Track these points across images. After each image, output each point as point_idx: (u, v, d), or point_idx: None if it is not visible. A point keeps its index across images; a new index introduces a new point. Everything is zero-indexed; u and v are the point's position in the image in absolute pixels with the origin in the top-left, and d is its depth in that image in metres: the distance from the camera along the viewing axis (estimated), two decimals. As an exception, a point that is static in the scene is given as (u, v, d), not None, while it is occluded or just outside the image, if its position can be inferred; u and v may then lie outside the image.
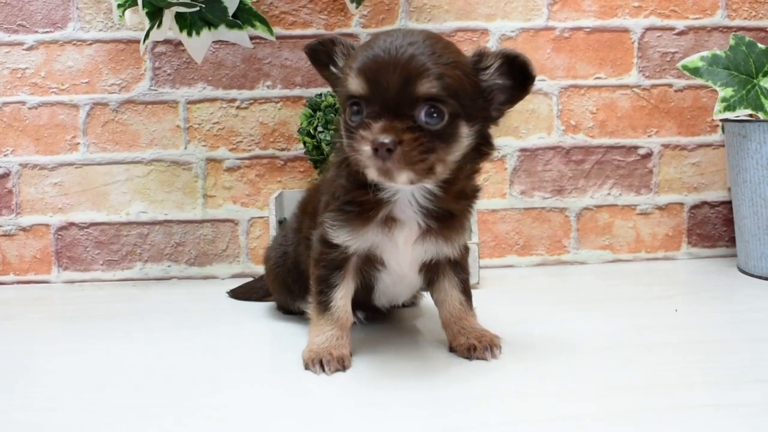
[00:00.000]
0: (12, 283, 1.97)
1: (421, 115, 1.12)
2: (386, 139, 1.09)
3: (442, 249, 1.29)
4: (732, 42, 1.88)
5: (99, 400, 1.16)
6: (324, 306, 1.29)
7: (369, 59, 1.13)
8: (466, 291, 1.36)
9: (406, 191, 1.22)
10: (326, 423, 1.05)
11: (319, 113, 1.79)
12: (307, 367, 1.25)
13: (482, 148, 1.23)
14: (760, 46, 1.87)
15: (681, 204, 2.09)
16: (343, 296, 1.29)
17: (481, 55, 1.20)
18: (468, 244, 1.39)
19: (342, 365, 1.25)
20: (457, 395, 1.14)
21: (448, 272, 1.34)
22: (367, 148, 1.11)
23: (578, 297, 1.76)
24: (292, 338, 1.43)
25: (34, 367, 1.33)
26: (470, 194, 1.29)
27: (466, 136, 1.17)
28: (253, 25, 1.78)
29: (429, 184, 1.20)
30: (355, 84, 1.14)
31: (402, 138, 1.10)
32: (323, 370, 1.24)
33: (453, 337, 1.34)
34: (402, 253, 1.27)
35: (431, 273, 1.35)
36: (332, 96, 1.80)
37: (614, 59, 2.04)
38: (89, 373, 1.29)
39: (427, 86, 1.11)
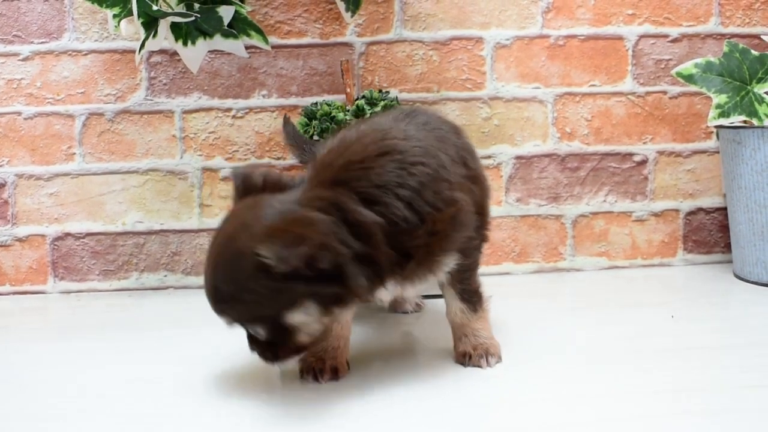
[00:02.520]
0: (8, 293, 1.97)
1: (250, 331, 1.20)
2: (250, 349, 1.21)
3: (426, 277, 1.23)
4: (726, 49, 1.89)
5: (95, 411, 1.16)
6: None
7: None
8: (466, 299, 1.33)
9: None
10: (323, 432, 1.05)
11: (314, 122, 1.79)
12: (301, 376, 1.26)
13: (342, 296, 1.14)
14: (754, 52, 1.88)
15: (676, 210, 2.09)
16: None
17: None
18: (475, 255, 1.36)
19: (336, 375, 1.25)
20: (451, 403, 1.14)
21: (447, 284, 1.33)
22: None
23: (575, 304, 1.76)
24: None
25: (29, 378, 1.32)
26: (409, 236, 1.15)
27: (304, 315, 1.13)
28: (248, 35, 1.79)
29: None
30: None
31: (257, 349, 1.20)
32: (316, 380, 1.24)
33: (454, 344, 1.34)
34: (389, 293, 1.23)
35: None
36: (327, 105, 1.80)
37: (609, 67, 2.05)
38: (85, 383, 1.28)
39: (226, 321, 1.18)
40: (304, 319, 1.13)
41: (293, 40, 1.99)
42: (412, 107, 1.40)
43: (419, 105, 1.49)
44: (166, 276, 1.99)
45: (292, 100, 1.99)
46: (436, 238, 1.16)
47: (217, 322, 1.66)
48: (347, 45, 2.00)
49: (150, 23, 1.65)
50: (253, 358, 1.40)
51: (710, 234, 2.11)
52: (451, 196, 1.17)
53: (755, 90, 1.86)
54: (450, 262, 1.23)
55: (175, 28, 1.71)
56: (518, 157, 2.04)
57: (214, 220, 1.99)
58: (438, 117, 1.35)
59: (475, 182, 1.30)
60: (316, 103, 1.84)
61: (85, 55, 1.96)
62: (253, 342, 1.20)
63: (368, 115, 1.69)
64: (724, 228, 2.08)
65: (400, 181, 1.13)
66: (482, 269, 2.00)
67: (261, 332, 1.16)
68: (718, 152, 2.07)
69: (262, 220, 1.11)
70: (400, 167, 1.14)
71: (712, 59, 1.88)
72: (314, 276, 1.08)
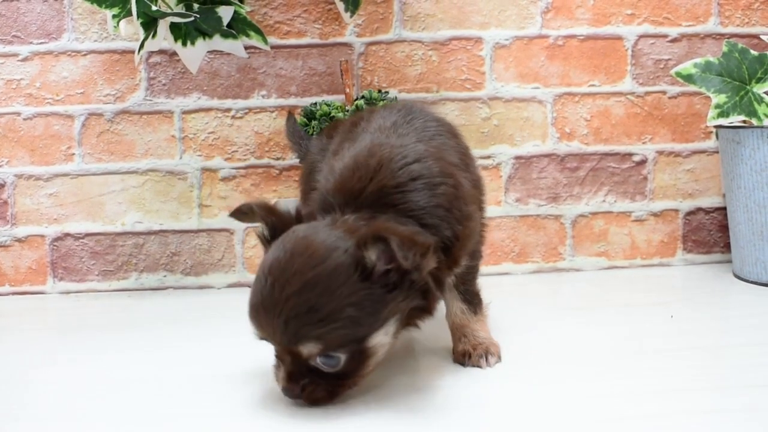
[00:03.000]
0: (7, 294, 1.97)
1: (318, 361, 1.08)
2: (290, 392, 1.11)
3: None
4: (725, 49, 1.89)
5: (94, 411, 1.16)
6: None
7: (254, 304, 1.10)
8: (467, 300, 1.34)
9: None
10: (322, 432, 1.05)
11: (314, 122, 1.79)
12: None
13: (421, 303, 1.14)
14: (753, 52, 1.88)
15: (676, 210, 2.09)
16: None
17: (358, 259, 1.06)
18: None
19: None
20: (451, 402, 1.14)
21: (451, 286, 1.33)
22: (279, 384, 1.13)
23: (574, 304, 1.76)
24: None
25: (29, 378, 1.32)
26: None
27: (384, 335, 1.10)
28: (247, 35, 1.79)
29: None
30: (251, 326, 1.12)
31: (305, 389, 1.10)
32: None
33: (454, 344, 1.34)
34: None
35: None
36: (327, 105, 1.80)
37: (608, 67, 2.05)
38: (85, 383, 1.28)
39: (309, 350, 1.07)
40: (382, 339, 1.10)
41: (292, 41, 1.99)
42: (403, 105, 1.39)
43: (409, 102, 1.49)
44: (165, 276, 1.99)
45: (292, 101, 1.99)
46: (460, 250, 1.20)
47: (217, 322, 1.67)
48: (346, 45, 2.00)
49: (149, 23, 1.65)
50: (253, 359, 1.40)
51: (709, 234, 2.11)
52: (468, 212, 1.21)
53: (754, 90, 1.86)
54: (463, 266, 1.26)
55: (174, 28, 1.71)
56: (517, 157, 2.04)
57: (214, 221, 1.99)
58: (433, 118, 1.36)
59: (477, 186, 1.35)
60: (316, 104, 1.84)
61: (85, 55, 1.96)
62: (303, 380, 1.09)
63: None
64: (724, 228, 2.08)
65: (435, 202, 1.16)
66: (482, 269, 2.01)
67: (340, 361, 1.07)
68: (717, 152, 2.08)
69: (342, 234, 1.08)
70: (430, 191, 1.16)
71: (711, 59, 1.88)
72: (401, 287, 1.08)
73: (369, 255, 1.05)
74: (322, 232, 1.09)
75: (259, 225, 1.19)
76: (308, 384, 1.10)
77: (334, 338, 1.05)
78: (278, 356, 1.13)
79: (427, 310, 1.15)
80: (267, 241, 1.17)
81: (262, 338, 1.12)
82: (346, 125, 1.47)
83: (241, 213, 1.19)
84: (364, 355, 1.10)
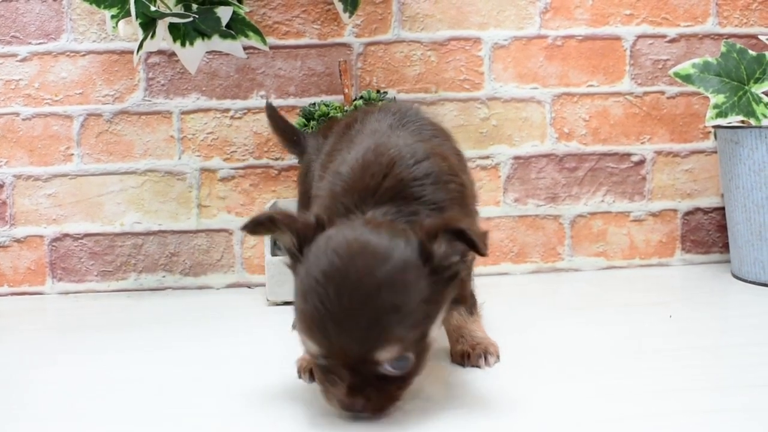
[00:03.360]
0: (6, 294, 1.97)
1: (387, 367, 1.01)
2: (355, 405, 1.02)
3: None
4: (723, 49, 1.89)
5: (94, 411, 1.16)
6: None
7: (317, 317, 0.99)
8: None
9: None
10: (322, 432, 1.05)
11: (312, 122, 1.79)
12: (299, 376, 1.26)
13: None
14: (751, 52, 1.88)
15: (674, 210, 2.09)
16: None
17: (428, 251, 1.02)
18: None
19: None
20: (449, 403, 1.14)
21: None
22: (334, 401, 1.04)
23: (573, 304, 1.77)
24: (288, 348, 1.43)
25: (28, 379, 1.32)
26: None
27: (438, 329, 1.08)
28: (246, 36, 1.79)
29: None
30: (309, 344, 1.03)
31: (371, 398, 1.02)
32: (313, 379, 1.23)
33: (452, 345, 1.34)
34: None
35: None
36: (326, 105, 1.80)
37: (606, 67, 2.05)
38: (84, 384, 1.28)
39: (389, 354, 1.00)
40: (436, 333, 1.07)
41: (291, 41, 1.99)
42: (397, 108, 1.39)
43: (402, 104, 1.49)
44: (164, 276, 1.99)
45: (291, 101, 1.99)
46: None
47: (216, 322, 1.67)
48: (345, 45, 2.00)
49: (148, 24, 1.65)
50: (253, 359, 1.40)
51: (708, 234, 2.11)
52: (475, 209, 1.27)
53: (753, 90, 1.86)
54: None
55: (173, 28, 1.71)
56: (516, 158, 2.04)
57: (212, 221, 1.99)
58: (427, 121, 1.37)
59: (472, 184, 1.35)
60: (314, 104, 1.84)
61: (83, 55, 1.96)
62: (366, 390, 1.02)
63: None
64: (722, 228, 2.08)
65: (451, 197, 1.15)
66: (480, 269, 2.02)
67: (410, 361, 1.02)
68: (715, 152, 2.08)
69: (391, 231, 1.03)
70: (444, 186, 1.16)
71: (709, 59, 1.89)
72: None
73: (438, 247, 1.02)
74: (369, 231, 1.02)
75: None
76: (373, 393, 1.02)
77: (411, 338, 1.00)
78: (332, 372, 1.03)
79: (460, 300, 1.14)
80: (298, 251, 1.06)
81: (325, 356, 1.02)
82: (340, 126, 1.47)
83: (257, 224, 1.09)
84: (424, 351, 1.06)
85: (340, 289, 0.97)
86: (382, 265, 0.98)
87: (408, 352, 1.01)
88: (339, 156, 1.29)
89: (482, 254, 1.02)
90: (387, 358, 0.99)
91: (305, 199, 1.57)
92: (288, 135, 1.75)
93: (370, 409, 1.03)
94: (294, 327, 1.19)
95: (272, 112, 1.77)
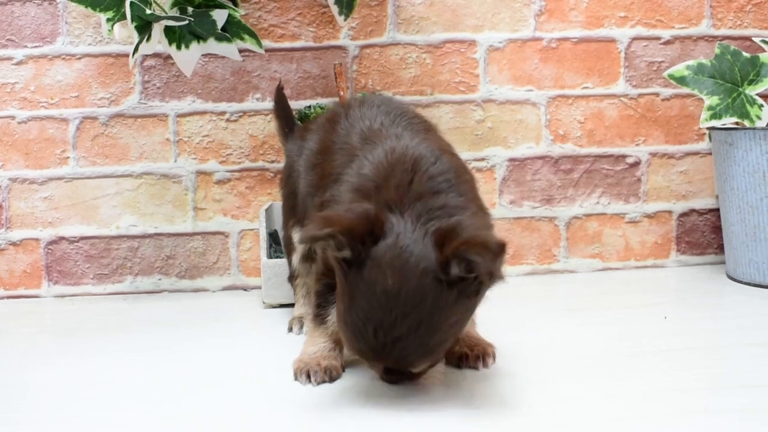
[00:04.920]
0: (2, 297, 1.97)
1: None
2: (392, 380, 1.21)
3: None
4: (717, 51, 1.90)
5: (90, 414, 1.16)
6: (320, 319, 1.29)
7: (365, 332, 1.09)
8: None
9: None
10: (318, 433, 1.05)
11: (308, 125, 1.79)
12: (295, 377, 1.26)
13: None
14: (745, 54, 1.89)
15: (669, 212, 2.10)
16: None
17: (447, 265, 1.08)
18: None
19: (329, 376, 1.25)
20: (447, 404, 1.14)
21: None
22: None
23: (568, 305, 1.77)
24: (284, 350, 1.43)
25: (24, 382, 1.32)
26: None
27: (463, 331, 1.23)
28: (242, 38, 1.79)
29: None
30: (353, 342, 1.14)
31: (403, 380, 1.20)
32: (309, 381, 1.24)
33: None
34: None
35: None
36: (321, 108, 1.81)
37: (601, 69, 2.05)
38: (80, 387, 1.28)
39: (419, 369, 1.16)
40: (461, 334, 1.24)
41: (287, 44, 1.99)
42: (380, 101, 1.42)
43: (380, 97, 1.50)
44: (160, 279, 1.99)
45: (286, 104, 1.99)
46: None
47: (212, 325, 1.67)
48: (341, 48, 2.00)
49: (143, 27, 1.65)
50: (248, 361, 1.41)
51: (703, 235, 2.11)
52: (482, 202, 1.30)
53: (747, 92, 1.87)
54: None
55: (168, 31, 1.71)
56: (511, 160, 2.05)
57: (208, 224, 1.99)
58: (410, 113, 1.40)
59: None
60: (310, 107, 1.85)
61: (79, 59, 1.96)
62: (402, 376, 1.19)
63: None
64: (717, 229, 2.09)
65: (472, 195, 1.25)
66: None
67: (435, 364, 1.20)
68: (710, 154, 2.08)
69: (431, 247, 1.09)
70: (461, 180, 1.22)
71: (703, 61, 1.89)
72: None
73: (453, 271, 1.07)
74: (407, 260, 1.08)
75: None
76: (403, 380, 1.20)
77: (440, 356, 1.17)
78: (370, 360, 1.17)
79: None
80: (350, 264, 1.11)
81: (370, 359, 1.15)
82: (319, 123, 1.51)
83: (317, 238, 1.12)
84: (449, 351, 1.23)
85: (377, 327, 1.08)
86: (413, 309, 1.07)
87: (434, 359, 1.16)
88: (338, 155, 1.32)
89: (491, 282, 1.10)
90: (418, 371, 1.17)
91: (291, 199, 1.58)
92: (285, 122, 1.78)
93: (407, 381, 1.21)
94: (306, 322, 1.32)
95: (280, 95, 1.80)
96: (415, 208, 1.13)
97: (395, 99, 1.48)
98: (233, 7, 1.76)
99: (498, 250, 1.07)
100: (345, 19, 1.81)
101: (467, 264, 1.06)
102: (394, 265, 1.08)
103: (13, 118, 1.96)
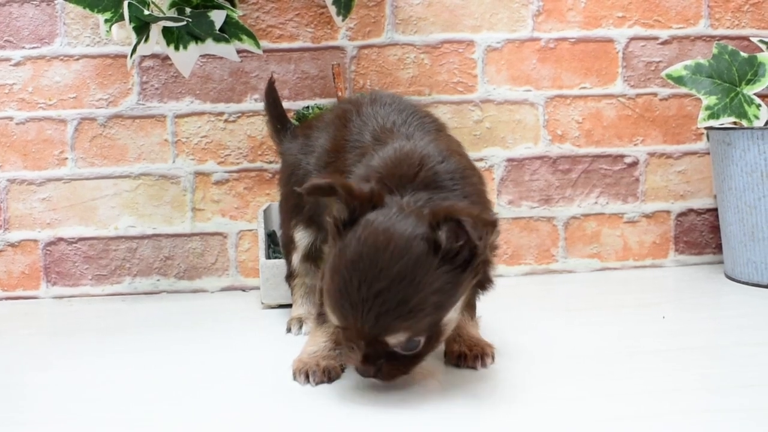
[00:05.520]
0: (0, 298, 1.96)
1: (396, 348, 1.13)
2: (366, 372, 1.15)
3: None
4: (715, 51, 1.90)
5: (89, 415, 1.16)
6: (323, 318, 1.29)
7: (339, 298, 1.11)
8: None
9: None
10: (317, 434, 1.05)
11: (306, 125, 1.79)
12: (294, 378, 1.26)
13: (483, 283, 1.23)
14: (743, 54, 1.89)
15: (668, 212, 2.10)
16: None
17: (436, 241, 1.10)
18: None
19: (328, 377, 1.25)
20: (446, 404, 1.14)
21: None
22: (353, 365, 1.16)
23: (567, 305, 1.77)
24: (283, 351, 1.43)
25: (23, 383, 1.32)
26: None
27: (454, 312, 1.16)
28: (240, 39, 1.79)
29: None
30: (331, 317, 1.16)
31: (383, 369, 1.14)
32: (308, 381, 1.24)
33: (448, 345, 1.34)
34: None
35: None
36: (319, 109, 1.81)
37: (599, 69, 2.06)
38: (79, 388, 1.28)
39: (396, 340, 1.11)
40: (453, 316, 1.16)
41: (285, 44, 1.99)
42: (391, 100, 1.44)
43: (386, 94, 1.50)
44: (158, 280, 1.99)
45: (284, 104, 1.97)
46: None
47: (211, 325, 1.67)
48: (339, 49, 2.00)
49: (141, 28, 1.65)
50: (246, 362, 1.41)
51: (701, 235, 2.12)
52: (488, 198, 1.32)
53: (744, 91, 1.87)
54: None
55: (166, 32, 1.71)
56: (510, 160, 2.05)
57: (207, 224, 1.99)
58: (421, 112, 1.41)
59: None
60: (308, 107, 1.85)
61: (77, 59, 1.96)
62: (378, 361, 1.13)
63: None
64: (715, 229, 2.09)
65: (477, 190, 1.26)
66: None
67: (420, 344, 1.13)
68: (708, 153, 2.09)
69: (415, 220, 1.11)
70: (468, 180, 1.24)
71: (701, 61, 1.89)
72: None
73: (440, 235, 1.09)
74: (399, 222, 1.11)
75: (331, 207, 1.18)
76: (384, 364, 1.14)
77: (420, 326, 1.11)
78: (351, 340, 1.14)
79: (483, 285, 1.24)
80: (342, 225, 1.15)
81: (344, 328, 1.14)
82: (328, 120, 1.51)
83: (316, 188, 1.17)
84: (439, 334, 1.15)
85: (361, 280, 1.08)
86: (398, 261, 1.07)
87: (418, 337, 1.12)
88: (351, 153, 1.34)
89: (476, 244, 1.09)
90: (394, 342, 1.11)
91: (293, 198, 1.58)
92: (276, 119, 1.78)
93: (380, 377, 1.15)
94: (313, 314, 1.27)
95: (271, 90, 1.80)
96: (416, 196, 1.16)
97: (402, 97, 1.49)
98: (231, 7, 1.76)
99: (489, 222, 1.10)
100: (343, 20, 1.81)
101: (456, 225, 1.08)
102: (385, 224, 1.10)
103: (11, 119, 1.96)
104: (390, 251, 1.08)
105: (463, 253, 1.11)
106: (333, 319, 1.15)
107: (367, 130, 1.35)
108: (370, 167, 1.24)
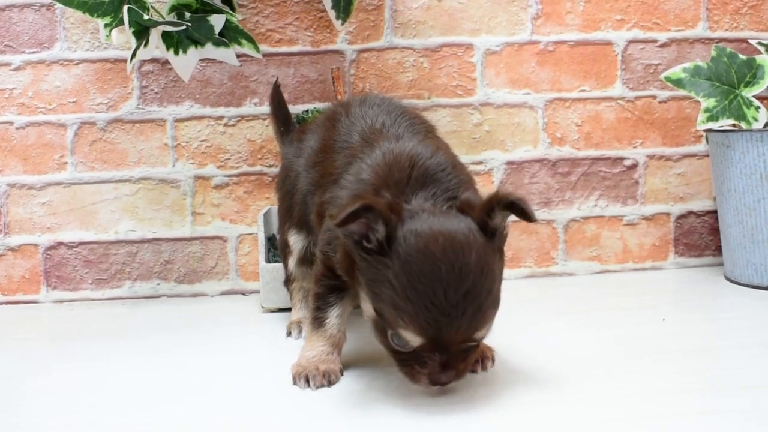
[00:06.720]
0: (0, 303, 1.97)
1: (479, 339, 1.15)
2: (447, 378, 1.12)
3: None
4: (714, 53, 1.90)
5: (89, 419, 1.16)
6: (319, 322, 1.29)
7: (427, 314, 1.06)
8: None
9: None
10: (317, 437, 1.06)
11: (306, 129, 1.79)
12: (294, 382, 1.26)
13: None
14: (741, 56, 1.89)
15: (667, 214, 2.10)
16: (338, 315, 1.30)
17: (490, 228, 1.13)
18: None
19: (327, 380, 1.25)
20: (446, 407, 1.15)
21: None
22: (423, 379, 1.12)
23: (567, 308, 1.77)
24: (283, 355, 1.43)
25: (23, 387, 1.32)
26: None
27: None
28: (239, 43, 1.79)
29: None
30: (410, 337, 1.09)
31: (458, 369, 1.12)
32: (308, 385, 1.24)
33: None
34: None
35: None
36: (319, 113, 1.81)
37: (598, 72, 2.06)
38: (79, 392, 1.28)
39: (485, 331, 1.13)
40: None
41: (284, 48, 2.00)
42: (380, 101, 1.44)
43: (376, 95, 1.50)
44: (159, 284, 1.99)
45: (284, 108, 1.99)
46: None
47: (211, 329, 1.67)
48: (338, 52, 2.01)
49: (141, 32, 1.65)
50: (246, 366, 1.41)
51: (701, 237, 2.12)
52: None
53: (743, 94, 1.87)
54: None
55: (166, 37, 1.72)
56: (509, 163, 2.05)
57: (207, 228, 1.99)
58: (410, 113, 1.41)
59: None
60: (308, 111, 1.85)
61: (77, 64, 1.97)
62: (456, 363, 1.11)
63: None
64: (715, 231, 2.09)
65: (466, 180, 1.26)
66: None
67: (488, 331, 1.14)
68: (707, 156, 2.09)
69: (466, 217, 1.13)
70: (459, 172, 1.25)
71: (700, 63, 1.90)
72: None
73: (494, 221, 1.13)
74: (447, 222, 1.11)
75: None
76: (460, 364, 1.13)
77: (493, 317, 1.14)
78: (423, 354, 1.10)
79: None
80: (380, 245, 1.11)
81: (426, 343, 1.09)
82: (319, 121, 1.52)
83: (354, 215, 1.09)
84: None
85: (445, 288, 1.06)
86: (471, 259, 1.08)
87: (490, 326, 1.14)
88: (339, 154, 1.33)
89: (533, 220, 1.14)
90: (482, 335, 1.14)
91: (287, 201, 1.58)
92: (282, 122, 1.79)
93: (457, 378, 1.13)
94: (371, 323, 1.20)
95: (277, 93, 1.80)
96: (419, 197, 1.17)
97: (392, 98, 1.48)
98: (231, 12, 1.77)
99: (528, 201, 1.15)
100: (342, 24, 1.82)
101: (511, 205, 1.11)
102: (435, 228, 1.09)
103: (11, 123, 1.96)
104: (462, 251, 1.08)
105: (502, 235, 1.16)
106: (411, 339, 1.09)
107: (356, 130, 1.35)
108: (361, 181, 1.22)
